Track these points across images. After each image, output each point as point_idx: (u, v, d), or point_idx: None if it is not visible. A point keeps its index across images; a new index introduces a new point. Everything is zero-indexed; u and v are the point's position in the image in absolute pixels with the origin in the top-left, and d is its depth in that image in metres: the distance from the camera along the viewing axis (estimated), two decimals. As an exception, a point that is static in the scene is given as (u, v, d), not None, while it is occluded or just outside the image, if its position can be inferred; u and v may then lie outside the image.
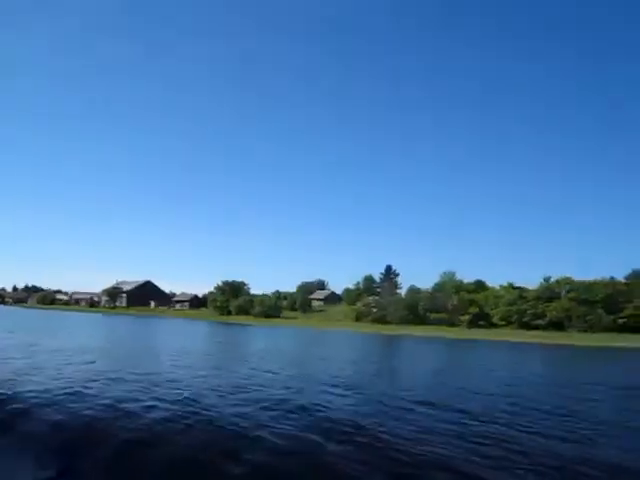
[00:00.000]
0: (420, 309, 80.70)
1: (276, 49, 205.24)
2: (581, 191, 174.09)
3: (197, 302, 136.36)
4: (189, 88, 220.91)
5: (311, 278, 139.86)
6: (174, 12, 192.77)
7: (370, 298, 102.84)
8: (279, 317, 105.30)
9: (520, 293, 71.79)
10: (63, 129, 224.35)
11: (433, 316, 78.42)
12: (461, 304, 75.19)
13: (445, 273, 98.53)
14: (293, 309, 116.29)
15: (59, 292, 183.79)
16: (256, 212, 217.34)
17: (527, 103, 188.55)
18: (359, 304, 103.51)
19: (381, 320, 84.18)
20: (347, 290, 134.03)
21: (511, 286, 75.11)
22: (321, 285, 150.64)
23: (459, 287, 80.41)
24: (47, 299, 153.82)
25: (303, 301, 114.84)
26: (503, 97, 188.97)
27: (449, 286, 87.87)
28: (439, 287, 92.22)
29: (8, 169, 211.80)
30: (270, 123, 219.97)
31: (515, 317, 69.58)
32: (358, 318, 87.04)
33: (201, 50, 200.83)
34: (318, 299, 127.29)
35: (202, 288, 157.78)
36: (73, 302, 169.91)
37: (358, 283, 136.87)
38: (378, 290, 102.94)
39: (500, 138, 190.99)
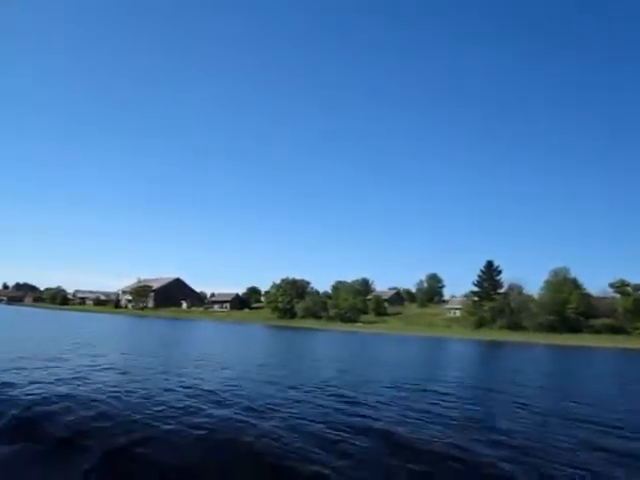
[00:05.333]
0: (570, 313, 65.82)
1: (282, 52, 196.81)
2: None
3: (239, 302, 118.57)
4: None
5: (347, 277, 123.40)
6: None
7: (466, 298, 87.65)
8: (358, 321, 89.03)
9: None
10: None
11: (591, 322, 63.62)
12: (635, 307, 60.68)
13: (556, 270, 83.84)
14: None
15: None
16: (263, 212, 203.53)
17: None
18: (460, 306, 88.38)
19: (513, 326, 69.15)
20: (416, 291, 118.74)
21: None
22: (365, 285, 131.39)
23: (623, 285, 65.81)
24: (58, 298, 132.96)
25: (377, 303, 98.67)
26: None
27: (562, 285, 73.72)
28: (553, 286, 77.87)
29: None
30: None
31: None
32: (481, 324, 71.53)
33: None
34: (383, 300, 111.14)
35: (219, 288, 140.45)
36: (77, 301, 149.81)
37: (421, 282, 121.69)
38: (476, 290, 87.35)
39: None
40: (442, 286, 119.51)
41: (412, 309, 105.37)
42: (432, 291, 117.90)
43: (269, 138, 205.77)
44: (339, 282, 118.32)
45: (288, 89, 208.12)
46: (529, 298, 71.85)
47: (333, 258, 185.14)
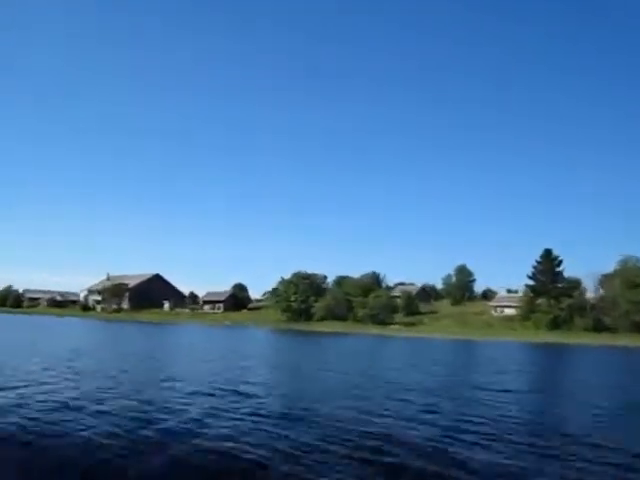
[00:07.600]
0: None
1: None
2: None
3: (234, 302, 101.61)
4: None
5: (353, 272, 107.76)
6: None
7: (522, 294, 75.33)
8: (392, 323, 75.26)
9: None
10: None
11: None
12: None
13: (624, 259, 72.08)
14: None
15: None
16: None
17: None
18: (511, 303, 76.16)
19: (598, 327, 57.94)
20: (443, 286, 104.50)
21: None
22: (376, 280, 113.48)
23: None
24: (9, 299, 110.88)
25: (409, 301, 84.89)
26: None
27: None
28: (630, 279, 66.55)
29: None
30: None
31: None
32: (556, 325, 59.65)
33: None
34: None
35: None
36: (27, 302, 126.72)
37: (449, 276, 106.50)
38: (531, 284, 74.87)
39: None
40: (473, 280, 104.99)
41: (447, 307, 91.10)
42: (463, 286, 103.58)
43: (263, 130, 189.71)
44: (341, 277, 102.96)
45: (287, 89, 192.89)
46: (618, 293, 60.56)
47: (327, 253, 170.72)
